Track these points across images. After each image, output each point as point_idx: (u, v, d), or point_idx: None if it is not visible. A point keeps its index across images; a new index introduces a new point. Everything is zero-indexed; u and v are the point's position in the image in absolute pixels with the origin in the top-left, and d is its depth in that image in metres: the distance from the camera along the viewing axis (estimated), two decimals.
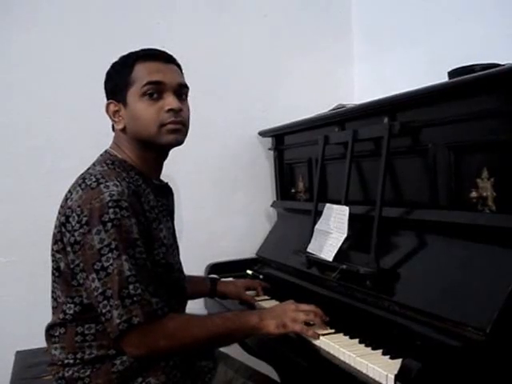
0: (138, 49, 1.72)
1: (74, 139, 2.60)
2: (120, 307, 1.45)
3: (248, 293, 2.23)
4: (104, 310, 1.47)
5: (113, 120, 1.71)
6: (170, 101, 1.65)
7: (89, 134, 2.53)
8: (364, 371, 1.46)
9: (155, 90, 1.65)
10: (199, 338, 1.57)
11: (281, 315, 1.66)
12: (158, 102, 1.65)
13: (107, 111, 1.71)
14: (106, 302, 1.46)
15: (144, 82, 1.64)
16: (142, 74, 1.65)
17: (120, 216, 1.48)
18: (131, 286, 1.46)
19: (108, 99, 1.72)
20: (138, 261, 1.50)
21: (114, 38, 2.57)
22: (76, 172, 1.69)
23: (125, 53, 1.73)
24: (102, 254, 1.47)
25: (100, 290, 1.46)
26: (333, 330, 1.70)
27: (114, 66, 1.73)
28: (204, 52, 2.78)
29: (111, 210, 1.48)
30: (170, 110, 1.65)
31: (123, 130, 1.69)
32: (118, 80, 1.69)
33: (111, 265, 1.46)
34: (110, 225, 1.47)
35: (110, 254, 1.46)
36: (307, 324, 1.68)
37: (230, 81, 2.86)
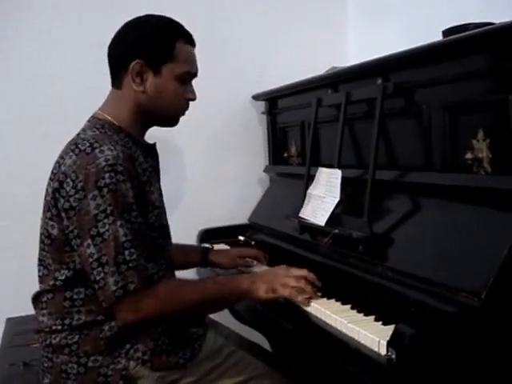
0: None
1: (69, 104, 2.56)
2: (116, 274, 1.44)
3: None
4: (98, 277, 1.45)
5: (133, 79, 1.64)
6: (193, 91, 1.75)
7: (84, 99, 2.45)
8: (356, 337, 1.43)
9: (187, 79, 1.72)
10: (193, 301, 1.57)
11: (271, 280, 1.64)
12: (183, 88, 1.71)
13: (129, 67, 1.63)
14: (100, 268, 1.45)
15: (184, 69, 1.69)
16: (184, 57, 1.69)
17: (115, 180, 1.47)
18: (127, 252, 1.45)
19: (135, 55, 1.63)
20: (134, 225, 1.48)
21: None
22: (70, 137, 1.65)
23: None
24: (98, 219, 1.45)
25: (95, 256, 1.45)
26: (324, 297, 1.68)
27: (151, 27, 1.66)
28: (199, 14, 2.73)
29: (107, 175, 1.46)
30: (189, 100, 1.74)
31: (137, 92, 1.65)
32: (156, 46, 1.65)
33: (107, 230, 1.44)
34: (105, 190, 1.45)
35: (105, 220, 1.45)
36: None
37: (223, 44, 2.82)
